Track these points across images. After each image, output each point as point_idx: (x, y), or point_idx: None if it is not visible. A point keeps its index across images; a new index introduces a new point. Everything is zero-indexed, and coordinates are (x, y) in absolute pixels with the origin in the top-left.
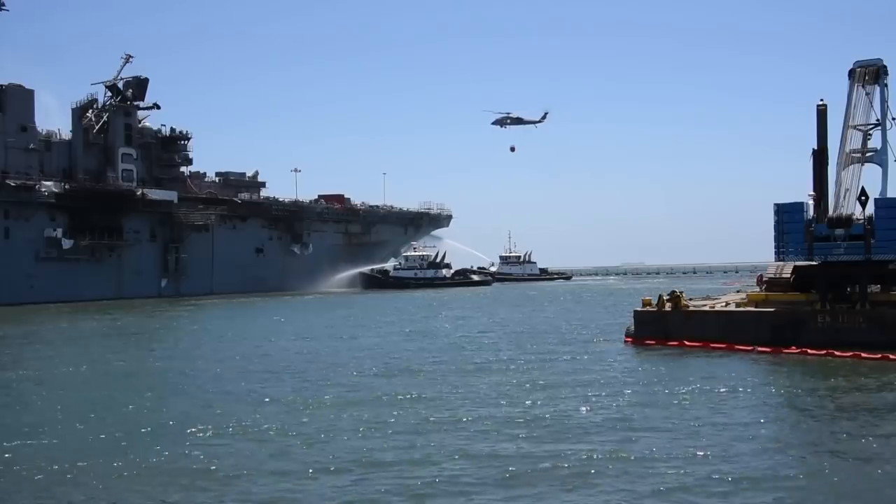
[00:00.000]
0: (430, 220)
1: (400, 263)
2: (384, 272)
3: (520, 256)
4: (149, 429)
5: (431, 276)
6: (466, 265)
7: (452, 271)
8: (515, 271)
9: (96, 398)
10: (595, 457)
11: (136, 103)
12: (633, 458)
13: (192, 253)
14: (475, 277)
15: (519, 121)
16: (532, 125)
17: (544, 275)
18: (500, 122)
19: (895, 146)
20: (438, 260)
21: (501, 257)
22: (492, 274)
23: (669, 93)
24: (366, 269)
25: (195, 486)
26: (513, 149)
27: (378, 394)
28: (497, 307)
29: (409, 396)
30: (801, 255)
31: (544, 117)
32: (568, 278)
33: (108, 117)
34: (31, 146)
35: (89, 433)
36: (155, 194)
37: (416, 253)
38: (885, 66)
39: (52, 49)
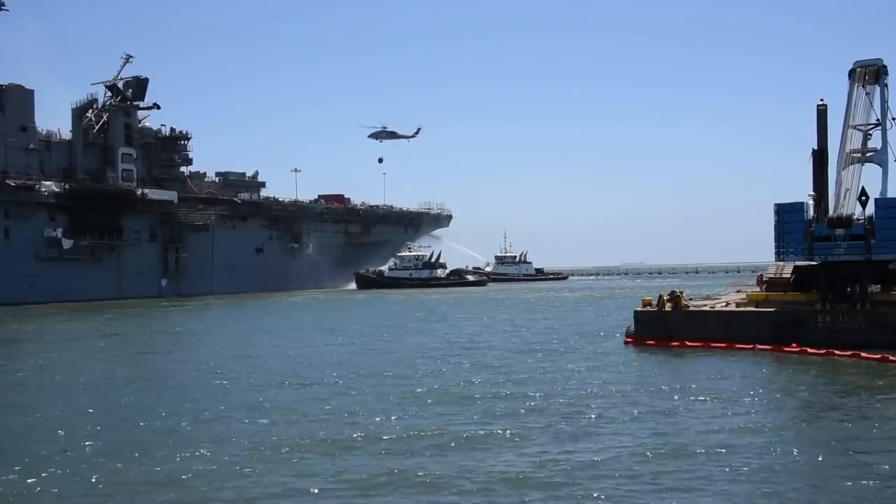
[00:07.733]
0: (430, 220)
1: (395, 264)
2: (379, 272)
3: (515, 256)
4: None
5: (426, 276)
6: (462, 265)
7: (447, 271)
8: (511, 271)
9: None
10: (594, 455)
11: (136, 103)
12: (633, 457)
13: (192, 253)
14: (470, 278)
15: (393, 135)
16: (405, 139)
17: (540, 275)
18: (376, 136)
19: (895, 146)
20: (433, 260)
21: (497, 257)
22: (487, 274)
23: (669, 93)
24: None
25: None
26: (381, 160)
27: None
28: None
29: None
30: (802, 255)
31: (417, 132)
32: (564, 278)
33: (108, 117)
34: (31, 146)
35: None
36: (155, 194)
37: (412, 253)
38: (885, 66)
39: (52, 48)
